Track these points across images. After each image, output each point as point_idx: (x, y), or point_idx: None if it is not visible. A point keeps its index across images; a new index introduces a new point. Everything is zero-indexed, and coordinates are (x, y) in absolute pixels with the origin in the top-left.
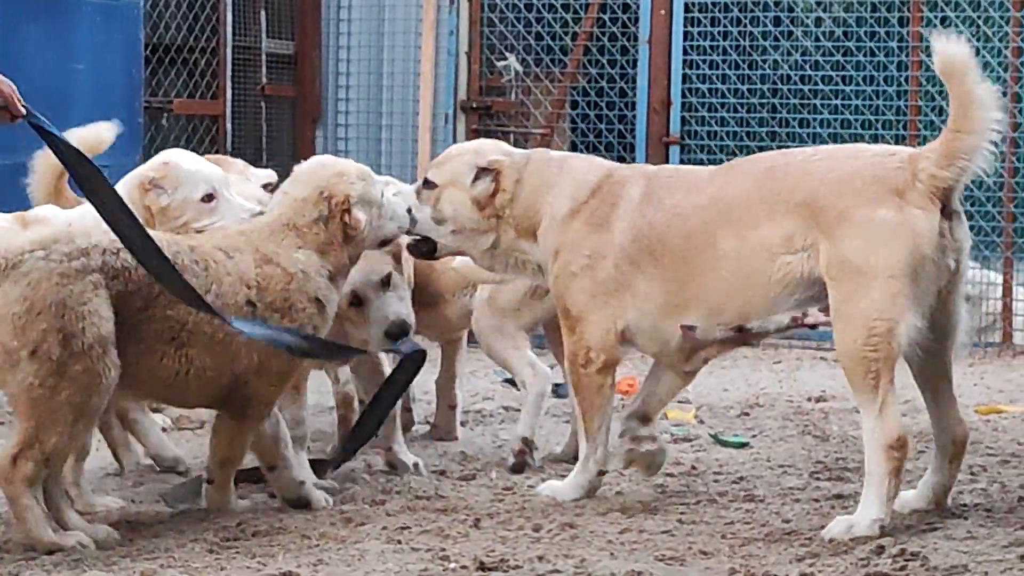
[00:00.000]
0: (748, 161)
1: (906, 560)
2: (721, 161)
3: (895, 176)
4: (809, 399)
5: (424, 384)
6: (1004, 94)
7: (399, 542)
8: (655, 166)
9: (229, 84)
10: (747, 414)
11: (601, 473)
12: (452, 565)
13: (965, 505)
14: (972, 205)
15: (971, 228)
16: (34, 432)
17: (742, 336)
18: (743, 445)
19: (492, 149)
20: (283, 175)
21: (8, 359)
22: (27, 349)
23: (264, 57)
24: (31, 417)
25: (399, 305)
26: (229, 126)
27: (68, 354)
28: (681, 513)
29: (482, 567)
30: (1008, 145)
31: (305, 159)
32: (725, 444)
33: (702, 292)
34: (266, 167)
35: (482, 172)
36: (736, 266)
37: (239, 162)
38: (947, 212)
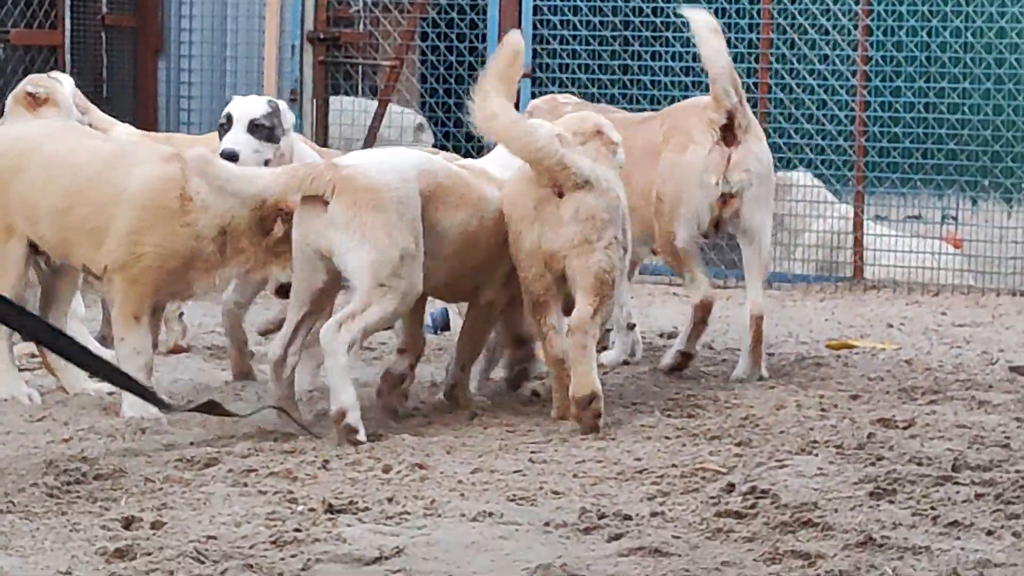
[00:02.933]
0: None
1: (756, 498)
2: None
3: (661, 124)
4: (661, 335)
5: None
6: (855, 26)
7: (245, 485)
8: None
9: (68, 14)
10: (600, 350)
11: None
12: (300, 507)
13: (815, 441)
14: (824, 139)
15: (823, 163)
16: (596, 303)
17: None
18: None
19: None
20: (122, 108)
21: (583, 248)
22: (603, 242)
23: None
24: (596, 292)
25: None
26: (68, 57)
27: (622, 248)
28: (532, 452)
29: (331, 509)
30: (859, 78)
31: (147, 91)
32: None
33: None
34: (107, 99)
35: None
36: None
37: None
38: (731, 141)
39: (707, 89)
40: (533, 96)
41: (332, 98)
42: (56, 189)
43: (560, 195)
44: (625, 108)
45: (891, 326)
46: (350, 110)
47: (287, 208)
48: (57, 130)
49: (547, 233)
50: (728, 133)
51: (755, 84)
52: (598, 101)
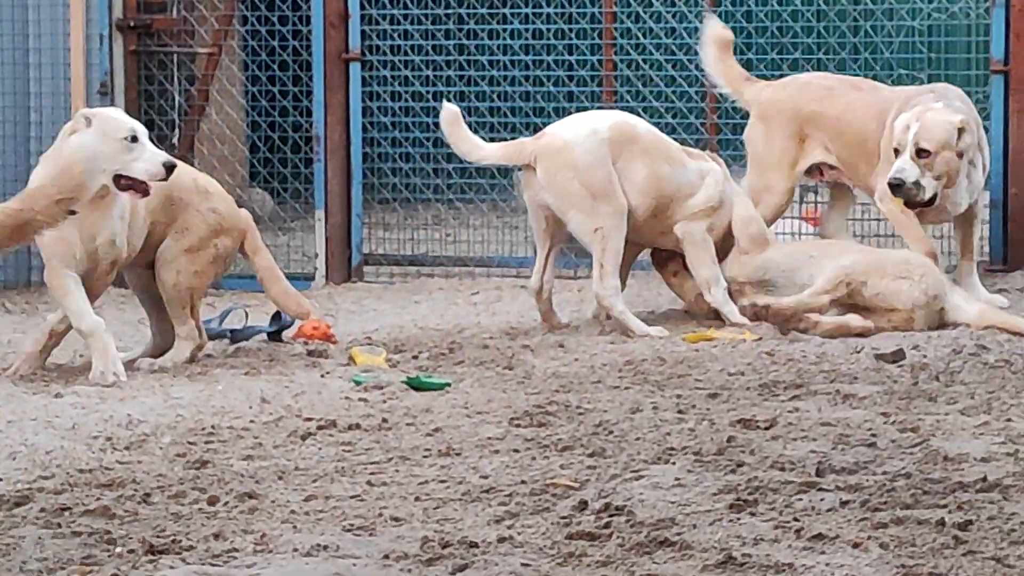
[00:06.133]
0: None
1: (611, 516)
2: (406, 79)
3: None
4: (509, 334)
5: None
6: None
7: (59, 526)
8: None
9: None
10: (444, 355)
11: None
12: (118, 549)
13: (673, 448)
14: (674, 117)
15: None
16: None
17: None
18: (444, 387)
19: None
20: None
21: None
22: None
23: None
24: None
25: None
26: None
27: None
28: (371, 474)
29: (151, 550)
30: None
31: None
32: (423, 388)
33: None
34: None
35: (961, 131)
36: None
37: None
38: None
39: (548, 67)
40: (364, 81)
41: None
42: None
43: None
44: (463, 91)
45: None
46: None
47: None
48: None
49: None
50: None
51: (599, 61)
52: (433, 84)
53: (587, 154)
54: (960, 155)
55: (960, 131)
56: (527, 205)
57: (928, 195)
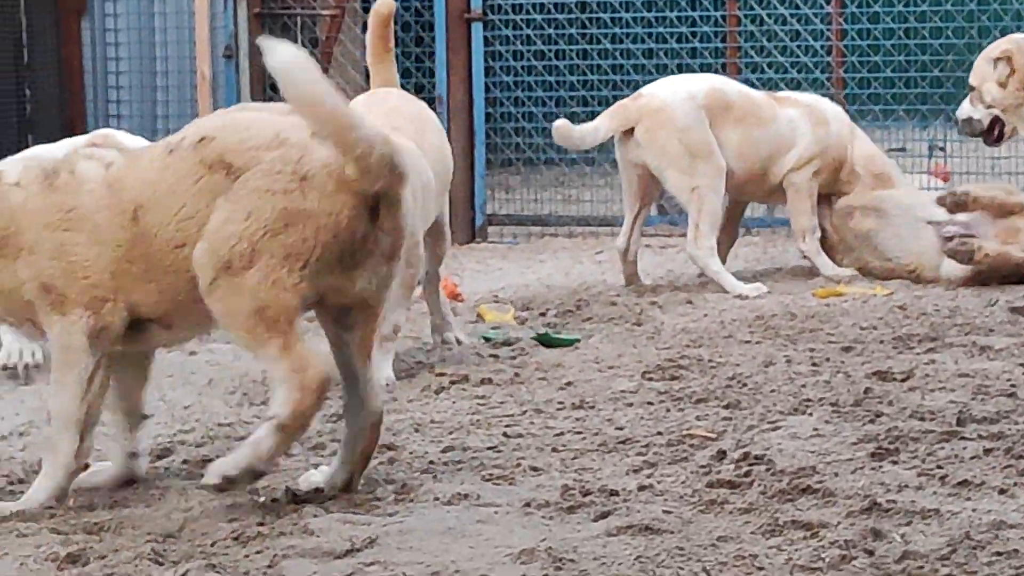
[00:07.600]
0: None
1: (750, 465)
2: (528, 38)
3: None
4: (636, 291)
5: None
6: None
7: (202, 476)
8: None
9: None
10: (571, 312)
11: None
12: (262, 499)
13: (809, 400)
14: (799, 72)
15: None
16: None
17: None
18: (574, 342)
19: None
20: (46, 74)
21: None
22: None
23: None
24: None
25: None
26: None
27: None
28: (506, 426)
29: (295, 499)
30: (834, 4)
31: (70, 56)
32: (552, 344)
33: None
34: (28, 65)
35: (996, 61)
36: None
37: None
38: None
39: (671, 24)
40: (486, 41)
41: None
42: None
43: None
44: (585, 49)
45: None
46: None
47: None
48: None
49: None
50: None
51: (723, 17)
52: (555, 43)
53: (686, 115)
54: (1003, 85)
55: (996, 61)
56: (620, 166)
57: (985, 125)
